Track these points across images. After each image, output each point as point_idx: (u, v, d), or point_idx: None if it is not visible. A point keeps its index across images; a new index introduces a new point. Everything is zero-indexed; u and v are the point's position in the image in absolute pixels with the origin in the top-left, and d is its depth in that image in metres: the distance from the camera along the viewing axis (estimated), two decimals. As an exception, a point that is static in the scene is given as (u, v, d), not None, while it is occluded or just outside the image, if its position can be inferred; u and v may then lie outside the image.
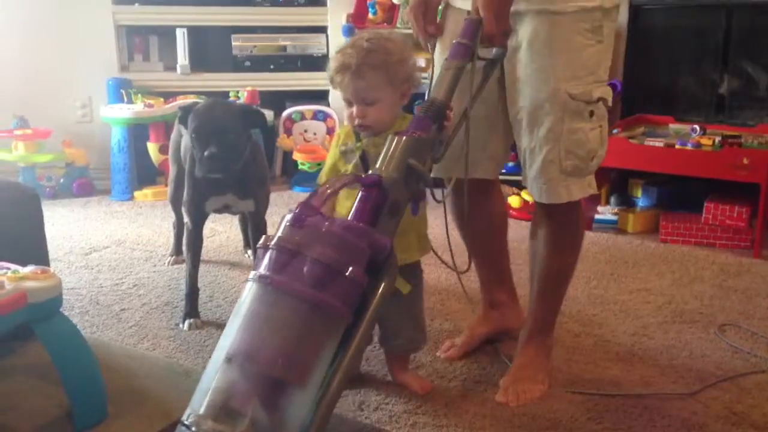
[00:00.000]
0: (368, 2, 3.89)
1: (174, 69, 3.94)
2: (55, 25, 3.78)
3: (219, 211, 2.26)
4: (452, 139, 1.48)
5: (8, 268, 1.57)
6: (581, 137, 1.65)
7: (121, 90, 3.76)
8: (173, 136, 2.54)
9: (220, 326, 2.17)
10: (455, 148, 1.74)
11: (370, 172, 1.29)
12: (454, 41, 1.50)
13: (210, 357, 1.24)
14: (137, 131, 3.73)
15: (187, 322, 2.16)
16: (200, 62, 3.97)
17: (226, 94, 3.82)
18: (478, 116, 1.66)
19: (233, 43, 3.96)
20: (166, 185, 3.73)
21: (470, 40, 1.49)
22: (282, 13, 3.97)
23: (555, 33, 1.60)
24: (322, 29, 3.99)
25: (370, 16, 3.89)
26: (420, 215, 1.56)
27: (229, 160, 2.04)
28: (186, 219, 2.27)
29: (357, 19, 3.81)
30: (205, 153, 2.01)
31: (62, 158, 3.73)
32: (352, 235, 1.19)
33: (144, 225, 3.28)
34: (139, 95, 3.75)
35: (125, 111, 3.65)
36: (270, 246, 1.20)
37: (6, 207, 1.95)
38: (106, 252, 2.89)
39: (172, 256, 2.76)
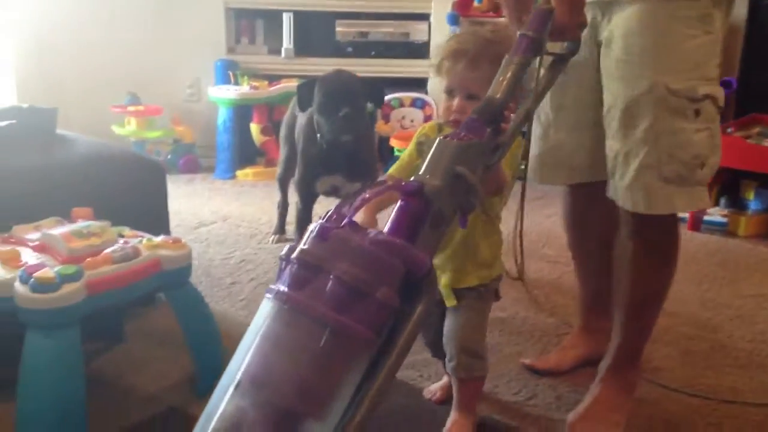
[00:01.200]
0: (474, -10, 3.87)
1: (278, 53, 4.01)
2: (168, 7, 3.91)
3: (328, 193, 2.30)
4: (510, 145, 1.27)
5: (141, 236, 1.64)
6: (684, 139, 1.44)
7: (229, 71, 3.86)
8: (286, 118, 2.59)
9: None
10: (562, 152, 1.65)
11: (412, 179, 1.11)
12: (518, 33, 1.29)
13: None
14: (242, 112, 3.83)
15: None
16: (304, 47, 4.03)
17: (328, 79, 3.87)
18: (572, 115, 1.58)
19: (337, 29, 4.00)
20: (267, 166, 3.84)
21: (538, 32, 1.28)
22: (386, 0, 3.98)
23: (654, 21, 1.43)
24: (425, 17, 3.99)
25: (476, 4, 3.86)
26: (490, 238, 1.46)
27: (359, 122, 2.12)
28: (297, 198, 2.32)
29: (462, 7, 3.79)
30: (340, 113, 2.08)
31: (170, 135, 3.87)
32: (385, 251, 1.02)
33: (246, 203, 3.36)
34: (245, 77, 3.84)
35: (232, 92, 3.75)
36: (291, 259, 1.04)
37: (133, 178, 2.03)
38: (213, 227, 2.98)
39: (275, 234, 2.82)
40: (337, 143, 2.16)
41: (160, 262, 1.56)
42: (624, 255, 1.57)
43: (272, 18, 4.02)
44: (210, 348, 1.68)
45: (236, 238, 2.84)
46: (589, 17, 1.45)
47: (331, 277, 0.99)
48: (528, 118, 1.34)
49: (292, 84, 3.79)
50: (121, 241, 1.57)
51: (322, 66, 3.95)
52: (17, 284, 1.37)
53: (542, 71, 1.37)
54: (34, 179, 1.79)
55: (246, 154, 3.92)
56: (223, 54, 3.95)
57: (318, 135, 2.21)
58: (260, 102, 3.79)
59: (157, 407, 1.63)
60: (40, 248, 1.51)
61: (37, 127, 2.03)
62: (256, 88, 3.77)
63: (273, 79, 3.88)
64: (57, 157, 1.96)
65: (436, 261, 1.20)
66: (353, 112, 2.09)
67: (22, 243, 1.53)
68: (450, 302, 1.48)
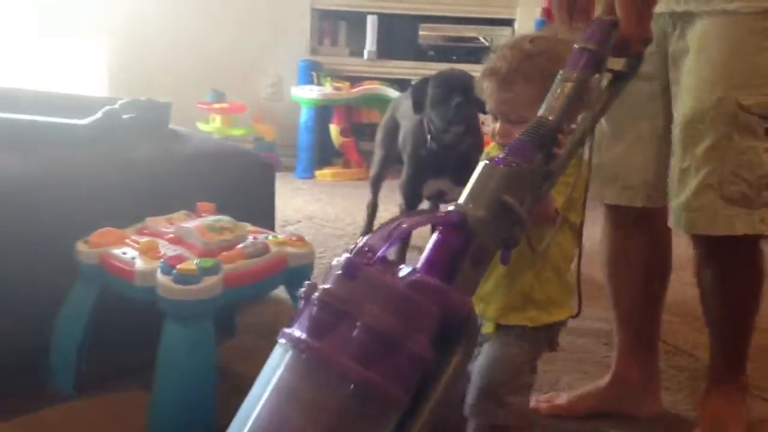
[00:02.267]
0: (562, -3, 3.83)
1: (359, 55, 4.04)
2: (255, 7, 3.97)
3: (433, 197, 2.31)
4: (562, 173, 1.13)
5: (266, 233, 1.66)
6: (752, 158, 1.37)
7: (312, 72, 3.90)
8: (384, 121, 2.61)
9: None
10: (615, 167, 1.51)
11: (450, 208, 0.97)
12: (575, 46, 1.14)
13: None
14: (322, 112, 3.86)
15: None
16: (386, 49, 4.05)
17: (408, 82, 3.87)
18: (629, 128, 1.50)
19: (420, 32, 4.01)
20: (344, 167, 3.87)
21: (600, 46, 1.14)
22: (471, 4, 3.98)
23: (730, 33, 1.37)
24: (509, 22, 3.97)
25: (563, 11, 3.83)
26: (541, 274, 1.26)
27: (470, 115, 2.15)
28: (401, 200, 2.33)
29: (551, 13, 3.76)
30: (452, 102, 2.11)
31: (252, 133, 3.92)
32: (420, 294, 0.89)
33: (328, 203, 3.39)
34: (328, 78, 3.87)
35: (314, 92, 3.78)
36: (312, 299, 0.91)
37: (245, 175, 2.06)
38: (299, 226, 3.01)
39: (363, 235, 2.83)
40: (448, 140, 2.18)
41: (287, 259, 1.58)
42: (704, 277, 1.51)
43: (355, 20, 4.05)
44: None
45: (324, 238, 2.86)
46: (656, 29, 1.35)
47: (358, 324, 0.86)
48: (582, 142, 1.17)
49: (374, 86, 3.82)
50: (251, 237, 1.60)
51: (404, 69, 3.99)
52: (159, 275, 1.41)
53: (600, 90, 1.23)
54: (157, 172, 1.83)
55: (324, 155, 3.96)
56: (306, 54, 3.99)
57: (428, 137, 2.23)
58: (341, 103, 3.82)
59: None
60: (176, 240, 1.54)
61: (153, 121, 2.08)
62: (338, 89, 3.80)
63: (354, 81, 3.91)
64: (174, 150, 2.00)
65: (480, 292, 1.08)
66: (465, 102, 2.12)
67: (158, 234, 1.56)
68: (488, 329, 1.27)
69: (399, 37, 4.10)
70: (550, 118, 1.07)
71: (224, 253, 1.48)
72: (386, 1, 3.97)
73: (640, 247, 1.62)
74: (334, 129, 3.87)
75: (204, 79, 3.92)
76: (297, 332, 0.88)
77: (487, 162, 1.01)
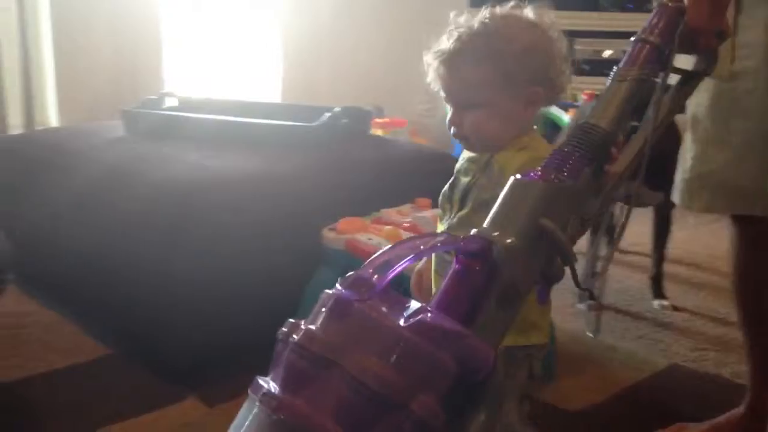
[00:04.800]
0: (723, 10, 3.79)
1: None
2: (412, 23, 4.13)
3: (621, 199, 2.32)
4: (616, 189, 0.93)
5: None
6: None
7: (468, 87, 4.02)
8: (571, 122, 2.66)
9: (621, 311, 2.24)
10: (727, 173, 1.34)
11: (473, 231, 0.77)
12: (634, 38, 0.95)
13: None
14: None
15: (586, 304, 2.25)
16: (540, 65, 4.12)
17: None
18: (742, 128, 1.32)
19: (575, 47, 4.05)
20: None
21: (662, 38, 0.93)
22: (628, 19, 3.99)
23: None
24: (666, 36, 3.95)
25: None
26: None
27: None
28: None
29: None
30: None
31: (410, 146, 4.07)
32: (428, 341, 0.68)
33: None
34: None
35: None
36: (290, 342, 0.70)
37: (444, 173, 2.17)
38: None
39: None
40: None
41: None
42: None
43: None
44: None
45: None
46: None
47: (346, 376, 0.66)
48: (642, 156, 0.94)
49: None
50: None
51: (559, 84, 4.03)
52: (408, 258, 1.52)
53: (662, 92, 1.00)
54: (378, 170, 1.98)
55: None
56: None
57: None
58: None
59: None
60: (411, 228, 1.66)
61: (360, 127, 2.24)
62: (495, 103, 3.89)
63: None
64: (384, 152, 2.15)
65: None
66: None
67: (395, 223, 1.69)
68: None
69: (554, 52, 4.16)
70: (601, 125, 0.87)
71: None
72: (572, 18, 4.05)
73: None
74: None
75: (364, 94, 4.11)
76: (269, 385, 0.68)
77: (519, 177, 0.81)
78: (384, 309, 0.69)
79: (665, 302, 2.27)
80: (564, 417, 1.61)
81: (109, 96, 2.89)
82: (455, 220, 1.07)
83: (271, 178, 1.79)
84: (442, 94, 1.11)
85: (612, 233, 2.62)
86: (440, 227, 1.13)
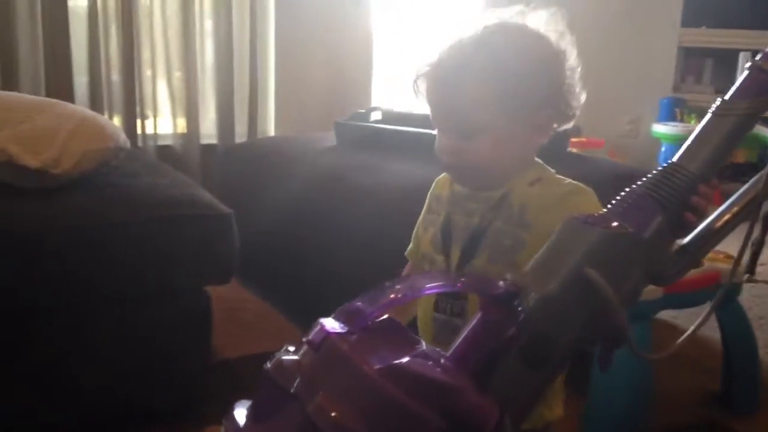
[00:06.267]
0: None
1: (726, 92, 3.88)
2: (619, 45, 4.04)
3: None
4: (704, 253, 0.81)
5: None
6: None
7: (675, 108, 3.85)
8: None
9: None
10: None
11: (508, 277, 0.67)
12: (747, 65, 0.80)
13: None
14: (683, 150, 3.79)
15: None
16: (758, 86, 3.85)
17: (783, 121, 3.65)
18: None
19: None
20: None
21: None
22: None
23: None
24: None
25: None
26: None
27: None
28: None
29: None
30: None
31: (608, 168, 3.97)
32: (406, 392, 0.58)
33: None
34: (693, 115, 3.79)
35: (678, 128, 3.73)
36: (264, 370, 0.65)
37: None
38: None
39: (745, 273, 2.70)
40: None
41: (720, 274, 1.59)
42: None
43: (722, 57, 3.92)
44: (749, 369, 1.66)
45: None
46: None
47: (304, 414, 0.59)
48: (754, 212, 0.79)
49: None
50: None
51: (777, 107, 3.75)
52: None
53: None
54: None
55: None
56: (668, 92, 3.95)
57: None
58: (705, 141, 3.71)
59: (686, 418, 1.66)
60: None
61: (557, 143, 2.24)
62: (704, 126, 3.70)
63: (720, 118, 3.77)
64: (583, 169, 2.13)
65: None
66: None
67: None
68: None
69: (773, 73, 3.87)
70: (690, 167, 0.74)
71: (663, 260, 1.54)
72: (760, 38, 3.78)
73: None
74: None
75: (562, 115, 4.08)
76: (239, 413, 0.65)
77: (574, 219, 0.69)
78: (371, 347, 0.60)
79: None
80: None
81: (321, 110, 3.13)
82: (466, 272, 0.89)
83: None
84: (435, 115, 0.93)
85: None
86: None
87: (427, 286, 0.66)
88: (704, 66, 4.04)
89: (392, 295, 0.63)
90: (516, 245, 0.87)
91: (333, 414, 0.57)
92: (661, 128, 3.82)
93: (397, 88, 3.81)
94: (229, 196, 2.16)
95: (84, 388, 1.42)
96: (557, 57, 0.92)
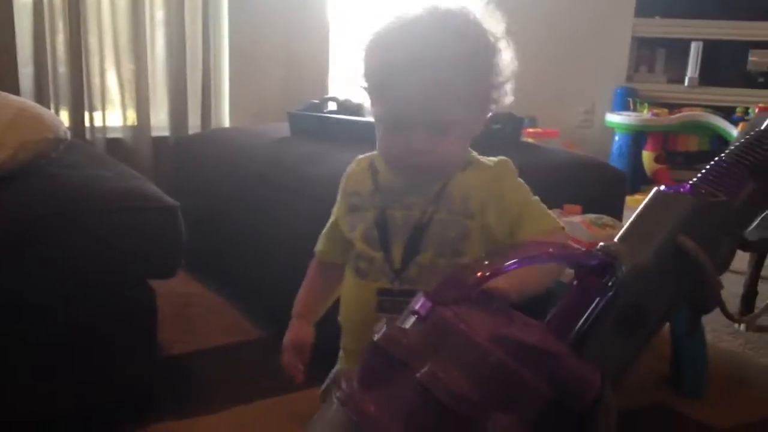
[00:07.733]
0: None
1: (678, 81, 3.95)
2: (574, 35, 4.07)
3: None
4: None
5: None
6: None
7: (628, 98, 3.90)
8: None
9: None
10: None
11: (601, 244, 0.69)
12: None
13: None
14: (636, 139, 3.83)
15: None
16: (709, 76, 3.92)
17: (733, 110, 3.71)
18: None
19: (750, 59, 3.82)
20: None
21: None
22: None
23: None
24: None
25: None
26: None
27: None
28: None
29: None
30: None
31: (564, 157, 4.00)
32: (515, 359, 0.60)
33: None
34: (645, 105, 3.84)
35: (631, 118, 3.77)
36: (372, 340, 0.67)
37: (597, 181, 2.13)
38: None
39: None
40: None
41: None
42: None
43: (675, 47, 3.98)
44: (696, 350, 1.69)
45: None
46: None
47: (416, 382, 0.61)
48: None
49: (696, 113, 3.71)
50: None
51: (728, 96, 3.82)
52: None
53: None
54: (538, 178, 1.97)
55: (633, 182, 3.91)
56: (622, 82, 4.00)
57: None
58: (658, 130, 3.76)
59: (639, 400, 1.69)
60: (558, 233, 1.65)
61: (512, 133, 2.25)
62: (657, 115, 3.75)
63: (672, 107, 3.83)
64: (542, 159, 2.14)
65: None
66: None
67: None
68: None
69: (725, 63, 3.95)
70: None
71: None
72: (713, 28, 3.85)
73: None
74: (647, 156, 3.82)
75: (516, 105, 4.09)
76: (349, 380, 0.66)
77: (664, 189, 0.71)
78: (474, 317, 0.62)
79: None
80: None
81: (277, 101, 3.09)
82: (412, 268, 0.89)
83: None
84: (406, 111, 0.86)
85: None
86: (363, 283, 0.92)
87: (525, 259, 0.67)
88: (657, 56, 4.09)
89: (490, 267, 0.65)
90: (460, 235, 0.87)
91: (446, 380, 0.59)
92: (614, 118, 3.86)
93: (355, 79, 3.79)
94: (181, 188, 2.12)
95: (25, 388, 1.38)
96: (502, 44, 0.91)
